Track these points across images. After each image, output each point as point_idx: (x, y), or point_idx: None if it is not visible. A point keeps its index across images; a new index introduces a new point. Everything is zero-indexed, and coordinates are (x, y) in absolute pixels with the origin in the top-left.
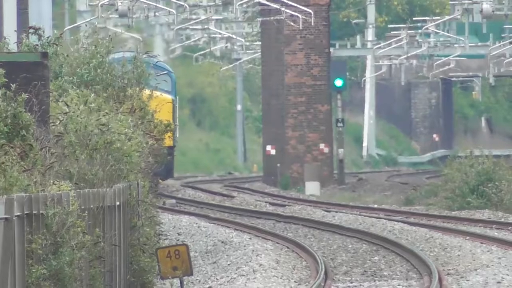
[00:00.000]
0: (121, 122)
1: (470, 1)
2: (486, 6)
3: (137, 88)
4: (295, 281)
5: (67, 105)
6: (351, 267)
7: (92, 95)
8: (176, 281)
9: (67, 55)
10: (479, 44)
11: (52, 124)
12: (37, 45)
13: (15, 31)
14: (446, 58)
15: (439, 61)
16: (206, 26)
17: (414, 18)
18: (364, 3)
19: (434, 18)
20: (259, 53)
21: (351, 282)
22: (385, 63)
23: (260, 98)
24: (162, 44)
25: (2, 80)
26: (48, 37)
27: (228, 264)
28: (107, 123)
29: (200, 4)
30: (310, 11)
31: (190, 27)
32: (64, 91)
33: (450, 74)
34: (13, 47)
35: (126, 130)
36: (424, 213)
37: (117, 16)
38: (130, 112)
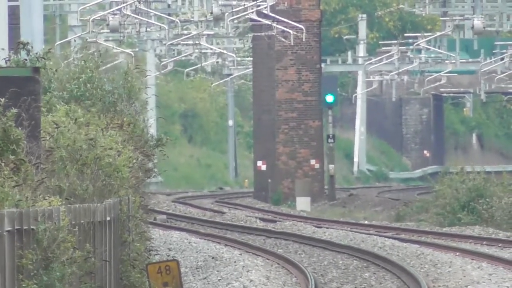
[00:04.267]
0: (110, 137)
1: (461, 18)
2: (477, 23)
3: (128, 103)
4: None
5: (56, 124)
6: (341, 283)
7: (79, 110)
8: None
9: (56, 70)
10: (470, 60)
11: (43, 138)
12: (26, 59)
13: (2, 49)
14: (437, 74)
15: (430, 77)
16: (197, 42)
17: (405, 34)
18: (356, 19)
19: (425, 34)
20: (251, 69)
21: None
22: (376, 79)
23: (251, 113)
24: (153, 60)
25: None
26: (36, 52)
27: (219, 280)
28: (96, 138)
29: (192, 19)
30: (301, 27)
31: (182, 42)
32: (52, 106)
33: (441, 90)
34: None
35: (116, 145)
36: (415, 229)
37: (109, 31)
38: (120, 127)
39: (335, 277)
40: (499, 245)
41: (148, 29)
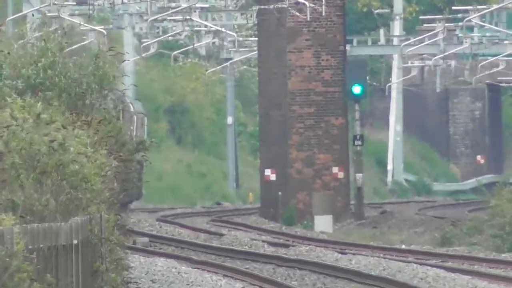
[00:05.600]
0: (78, 138)
1: None
2: None
3: (99, 95)
4: None
5: (14, 117)
6: None
7: (39, 104)
8: None
9: (8, 53)
10: None
11: None
12: None
13: None
14: (494, 58)
15: (485, 62)
16: (188, 17)
17: (453, 8)
18: None
19: (478, 7)
20: (256, 52)
21: None
22: (415, 64)
23: (256, 108)
24: (132, 40)
25: None
26: None
27: None
28: (62, 140)
29: None
30: None
31: (168, 18)
32: (3, 99)
33: (499, 78)
34: None
35: (84, 148)
36: (466, 256)
37: (75, 3)
38: (89, 125)
39: None
40: None
41: (125, 1)
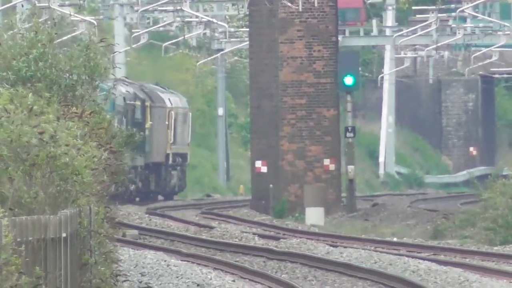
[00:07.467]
0: (67, 130)
1: None
2: None
3: (90, 87)
4: None
5: (5, 109)
6: None
7: (30, 95)
8: None
9: None
10: None
11: None
12: None
13: None
14: (487, 49)
15: (478, 53)
16: (179, 7)
17: None
18: None
19: None
20: (247, 43)
21: None
22: (408, 55)
23: (247, 99)
24: (123, 30)
25: None
26: None
27: None
28: (54, 132)
29: None
30: None
31: (159, 8)
32: None
33: (492, 69)
34: None
35: (74, 140)
36: (458, 249)
37: None
38: (79, 117)
39: None
40: None
41: None
